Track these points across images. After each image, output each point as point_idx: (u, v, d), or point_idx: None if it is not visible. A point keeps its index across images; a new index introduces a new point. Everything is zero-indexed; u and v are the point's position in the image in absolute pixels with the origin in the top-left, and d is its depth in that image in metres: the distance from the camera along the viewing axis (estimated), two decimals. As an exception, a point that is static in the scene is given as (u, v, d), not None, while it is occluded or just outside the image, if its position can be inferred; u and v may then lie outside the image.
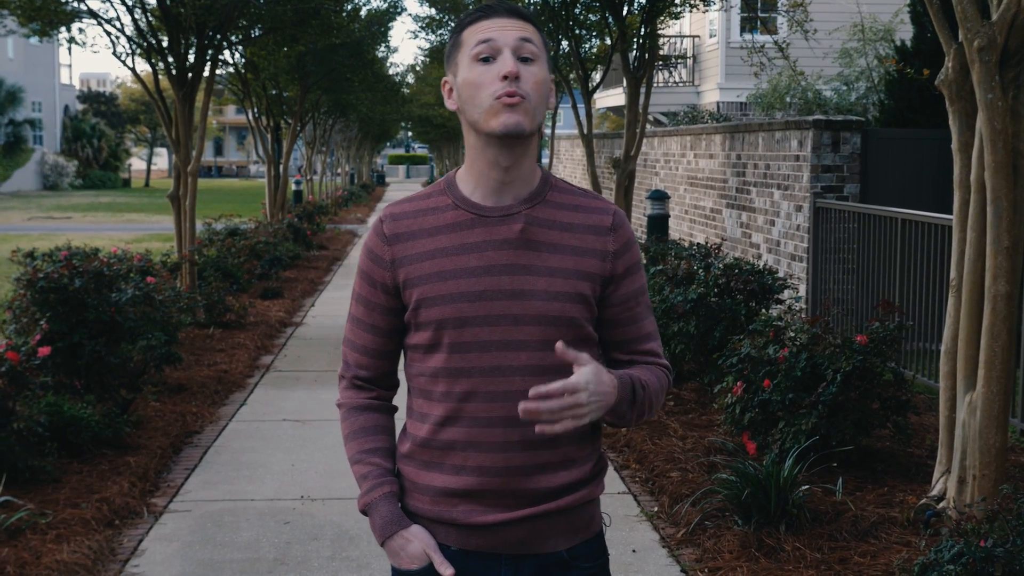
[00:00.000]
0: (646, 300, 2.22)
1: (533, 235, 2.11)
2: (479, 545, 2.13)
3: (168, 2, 9.98)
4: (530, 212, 2.12)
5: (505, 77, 2.04)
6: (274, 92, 18.51)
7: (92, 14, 10.39)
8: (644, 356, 2.22)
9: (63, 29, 10.81)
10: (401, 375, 2.27)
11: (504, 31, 2.08)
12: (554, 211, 2.14)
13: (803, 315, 8.12)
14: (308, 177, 26.70)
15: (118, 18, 12.53)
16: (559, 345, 1.97)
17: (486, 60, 2.07)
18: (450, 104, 2.16)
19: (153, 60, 10.58)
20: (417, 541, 2.12)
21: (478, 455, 2.10)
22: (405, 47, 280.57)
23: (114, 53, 10.87)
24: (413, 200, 2.19)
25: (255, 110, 17.99)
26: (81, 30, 10.87)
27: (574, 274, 2.11)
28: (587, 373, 1.96)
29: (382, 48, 21.18)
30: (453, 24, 2.07)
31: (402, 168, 72.98)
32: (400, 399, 2.29)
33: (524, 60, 2.08)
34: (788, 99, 15.87)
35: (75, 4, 10.41)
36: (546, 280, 2.10)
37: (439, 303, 2.09)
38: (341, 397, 2.27)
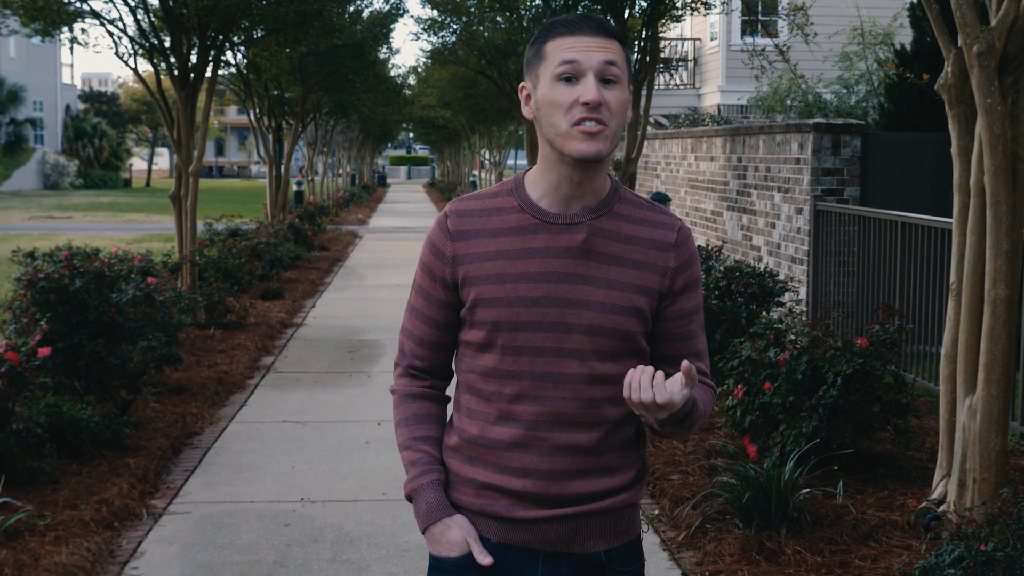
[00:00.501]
0: (700, 318, 2.23)
1: (595, 246, 2.11)
2: (519, 540, 2.15)
3: (171, 3, 9.99)
4: (594, 223, 2.12)
5: (586, 103, 2.03)
6: (276, 93, 18.52)
7: (95, 14, 10.40)
8: None
9: (65, 29, 10.82)
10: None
11: (589, 52, 2.05)
12: (619, 223, 2.14)
13: (803, 318, 8.11)
14: (309, 178, 26.75)
15: (120, 19, 12.51)
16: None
17: (568, 80, 2.06)
18: (526, 112, 2.15)
19: (155, 60, 10.59)
20: (458, 529, 2.14)
21: (524, 456, 2.11)
22: (407, 49, 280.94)
23: (116, 53, 10.88)
24: (479, 198, 2.19)
25: (257, 111, 18.00)
26: (83, 30, 10.91)
27: (632, 287, 2.12)
28: (680, 404, 1.98)
29: (384, 50, 21.17)
30: (537, 30, 2.02)
31: (403, 169, 73.07)
32: (448, 392, 2.30)
33: (606, 82, 2.06)
34: (788, 102, 15.86)
35: (77, 4, 10.42)
36: (604, 291, 2.11)
37: (496, 305, 2.10)
38: (395, 384, 2.28)
